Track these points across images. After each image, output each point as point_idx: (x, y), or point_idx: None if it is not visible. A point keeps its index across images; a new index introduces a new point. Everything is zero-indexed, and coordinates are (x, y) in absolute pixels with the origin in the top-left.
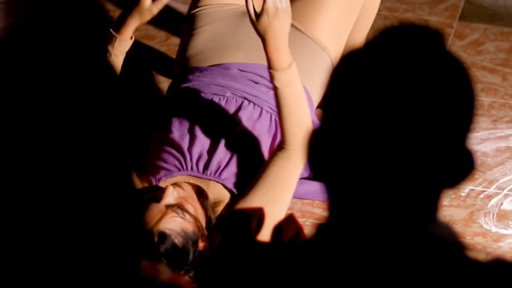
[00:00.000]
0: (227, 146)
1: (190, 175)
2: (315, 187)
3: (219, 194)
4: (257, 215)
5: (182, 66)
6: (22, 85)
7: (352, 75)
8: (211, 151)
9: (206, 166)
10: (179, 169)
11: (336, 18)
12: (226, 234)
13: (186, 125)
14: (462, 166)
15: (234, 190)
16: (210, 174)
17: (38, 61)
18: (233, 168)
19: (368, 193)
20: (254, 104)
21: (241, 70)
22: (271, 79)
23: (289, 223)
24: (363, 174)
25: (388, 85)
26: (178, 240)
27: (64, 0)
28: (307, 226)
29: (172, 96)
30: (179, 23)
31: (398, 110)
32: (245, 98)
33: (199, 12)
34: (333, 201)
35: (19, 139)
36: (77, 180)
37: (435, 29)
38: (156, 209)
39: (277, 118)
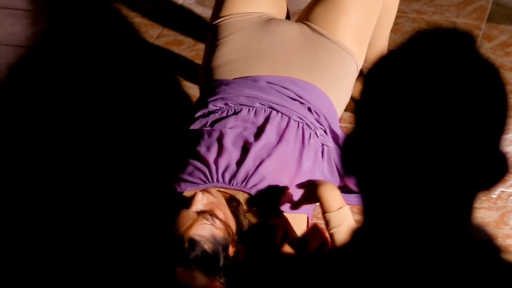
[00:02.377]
0: (256, 156)
1: (216, 187)
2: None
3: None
4: (282, 227)
5: (207, 78)
6: (47, 90)
7: (383, 80)
8: (240, 162)
9: (233, 177)
10: (204, 182)
11: (358, 20)
12: (250, 246)
13: (214, 136)
14: (496, 169)
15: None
16: (236, 184)
17: (64, 66)
18: (259, 177)
19: (402, 197)
20: (282, 113)
21: (269, 83)
22: (325, 220)
23: (314, 234)
24: (396, 178)
25: (419, 88)
26: (208, 246)
27: (89, 10)
28: None
29: (200, 110)
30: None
31: (430, 114)
32: (273, 108)
33: (222, 22)
34: (367, 205)
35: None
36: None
37: (464, 31)
38: (186, 215)
39: (304, 126)
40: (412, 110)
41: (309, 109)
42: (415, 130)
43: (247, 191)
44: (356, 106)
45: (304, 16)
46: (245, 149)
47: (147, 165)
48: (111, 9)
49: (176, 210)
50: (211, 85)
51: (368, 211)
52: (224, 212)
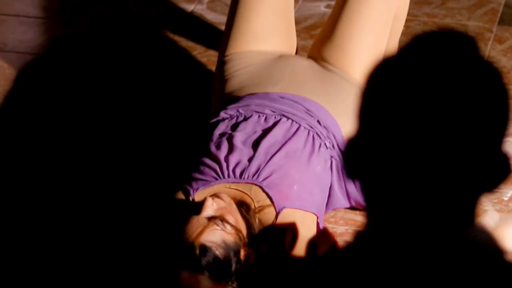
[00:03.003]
0: (266, 151)
1: (228, 182)
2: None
3: (261, 198)
4: (291, 230)
5: (219, 103)
6: (59, 97)
7: (388, 82)
8: (251, 158)
9: (244, 170)
10: (216, 179)
11: (368, 51)
12: (259, 250)
13: (224, 137)
14: (499, 170)
15: (272, 196)
16: (248, 177)
17: (75, 72)
18: (270, 170)
19: (405, 200)
20: (292, 120)
21: (281, 97)
22: None
23: (323, 237)
24: (400, 180)
25: (424, 90)
26: (219, 252)
27: (100, 18)
28: (350, 233)
29: (212, 119)
30: (216, 36)
31: (435, 115)
32: (284, 115)
33: (232, 57)
34: (371, 208)
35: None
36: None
37: (470, 33)
38: (197, 222)
39: (314, 135)
40: (414, 113)
41: (318, 121)
42: (418, 132)
43: (258, 184)
44: (360, 109)
45: (314, 53)
46: (255, 147)
47: (157, 170)
48: (122, 16)
49: (186, 217)
50: (223, 103)
51: (372, 214)
52: (235, 217)
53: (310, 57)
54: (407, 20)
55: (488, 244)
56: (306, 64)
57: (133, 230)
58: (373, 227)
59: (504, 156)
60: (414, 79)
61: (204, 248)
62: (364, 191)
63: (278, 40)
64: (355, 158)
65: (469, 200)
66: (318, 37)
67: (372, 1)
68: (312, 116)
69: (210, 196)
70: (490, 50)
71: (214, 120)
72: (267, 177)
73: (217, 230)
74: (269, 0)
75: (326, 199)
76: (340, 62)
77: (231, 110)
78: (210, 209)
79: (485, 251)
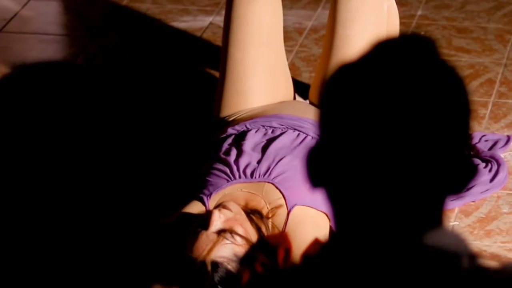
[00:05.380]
0: (275, 154)
1: (240, 183)
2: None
3: (274, 197)
4: (284, 244)
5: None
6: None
7: (349, 88)
8: (259, 161)
9: (255, 170)
10: (227, 181)
11: None
12: (254, 269)
13: (233, 145)
14: (463, 174)
15: (284, 192)
16: (259, 176)
17: (94, 88)
18: (282, 169)
19: (371, 205)
20: (300, 131)
21: (287, 117)
22: None
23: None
24: (366, 185)
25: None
26: (231, 266)
27: (119, 32)
28: None
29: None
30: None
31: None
32: (290, 127)
33: (229, 117)
34: (338, 215)
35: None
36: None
37: (428, 36)
38: (206, 238)
39: (315, 143)
40: (377, 116)
41: None
42: (382, 136)
43: (270, 181)
44: (321, 116)
45: (313, 99)
46: (264, 151)
47: (162, 178)
48: (141, 30)
49: (195, 234)
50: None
51: (339, 221)
52: (244, 226)
53: (311, 103)
54: (426, 25)
55: (454, 248)
56: (307, 104)
57: (143, 250)
58: (342, 235)
59: (469, 159)
60: (377, 85)
61: (216, 264)
62: (329, 197)
63: (276, 92)
64: (318, 166)
65: (435, 203)
66: (314, 82)
67: (358, 38)
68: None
69: (216, 207)
70: (510, 51)
71: (222, 136)
72: (279, 175)
73: (227, 244)
74: (260, 55)
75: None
76: None
77: (239, 126)
78: (217, 222)
79: (453, 255)
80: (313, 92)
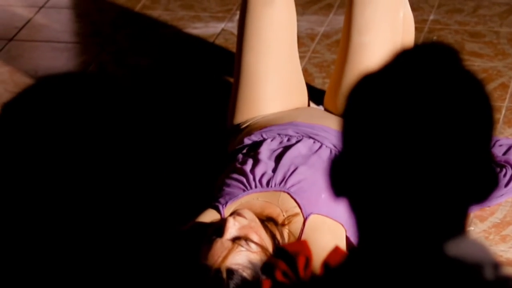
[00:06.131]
0: (291, 163)
1: (256, 192)
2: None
3: (290, 206)
4: (304, 252)
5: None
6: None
7: (370, 97)
8: (275, 169)
9: (271, 179)
10: (243, 190)
11: None
12: (274, 278)
13: (249, 154)
14: (486, 183)
15: (300, 201)
16: (275, 185)
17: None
18: (298, 178)
19: (395, 214)
20: (315, 140)
21: (302, 125)
22: None
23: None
24: (389, 195)
25: (409, 105)
26: (246, 273)
27: (130, 39)
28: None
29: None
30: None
31: (422, 129)
32: (306, 135)
33: (243, 124)
34: (361, 225)
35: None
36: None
37: (450, 45)
38: (220, 245)
39: (337, 153)
40: (400, 126)
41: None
42: (406, 146)
43: (286, 190)
44: (344, 126)
45: (328, 106)
46: (279, 159)
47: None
48: (151, 37)
49: (210, 242)
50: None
51: (361, 231)
52: (259, 234)
53: (326, 110)
54: (438, 29)
55: (477, 257)
56: (322, 111)
57: (158, 258)
58: (365, 244)
59: (492, 169)
60: (397, 95)
61: (231, 272)
62: (352, 207)
63: (290, 98)
64: (342, 176)
65: (460, 213)
66: (329, 89)
67: (374, 46)
68: (335, 136)
69: (231, 215)
70: None
71: (238, 146)
72: (295, 184)
73: (242, 251)
74: (274, 61)
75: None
76: None
77: (254, 136)
78: (232, 229)
79: (476, 264)
80: (328, 99)
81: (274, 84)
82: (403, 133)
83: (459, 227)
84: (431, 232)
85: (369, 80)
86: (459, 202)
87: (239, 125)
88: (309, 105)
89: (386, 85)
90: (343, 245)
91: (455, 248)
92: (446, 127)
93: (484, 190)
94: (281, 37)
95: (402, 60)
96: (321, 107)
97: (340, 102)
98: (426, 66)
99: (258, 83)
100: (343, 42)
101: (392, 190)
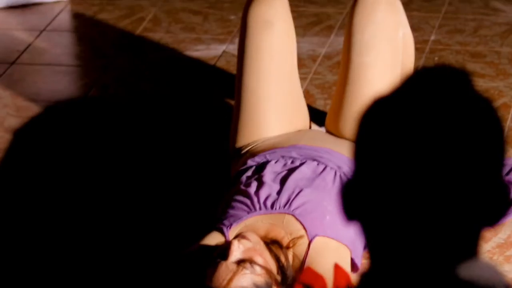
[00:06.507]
0: (295, 185)
1: (260, 215)
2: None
3: (295, 228)
4: (320, 285)
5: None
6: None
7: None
8: (279, 192)
9: (275, 201)
10: (248, 212)
11: None
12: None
13: (253, 176)
14: (499, 205)
15: (304, 223)
16: (279, 207)
17: (111, 117)
18: (302, 200)
19: (408, 237)
20: (319, 162)
21: (306, 148)
22: None
23: (337, 274)
24: (401, 218)
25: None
26: None
27: (131, 62)
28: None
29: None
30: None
31: (433, 152)
32: (309, 157)
33: (245, 147)
34: (373, 248)
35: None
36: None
37: (464, 69)
38: (225, 268)
39: (342, 175)
40: (410, 149)
41: (344, 162)
42: (417, 170)
43: (291, 213)
44: (356, 151)
45: (331, 129)
46: (283, 182)
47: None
48: (153, 59)
49: (214, 264)
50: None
51: (374, 254)
52: (264, 256)
53: (328, 131)
54: (439, 50)
55: (489, 280)
56: (324, 133)
57: (164, 281)
58: (377, 268)
59: (505, 191)
60: (408, 118)
61: None
62: (365, 232)
63: (292, 121)
64: (353, 200)
65: (471, 235)
66: (331, 111)
67: (374, 66)
68: (339, 159)
69: (235, 238)
70: None
71: (242, 168)
72: (299, 207)
73: (247, 274)
74: (275, 84)
75: (361, 238)
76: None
77: (258, 157)
78: (237, 252)
79: (489, 286)
80: (330, 121)
81: (276, 107)
82: (415, 156)
83: (471, 249)
84: (444, 255)
85: (378, 104)
86: (471, 224)
87: (241, 148)
88: (310, 127)
89: (396, 109)
90: (348, 267)
91: (467, 270)
92: (458, 149)
93: (496, 211)
94: (281, 60)
95: (409, 83)
96: (323, 129)
97: (343, 124)
98: (434, 89)
99: (259, 107)
100: (343, 63)
101: (405, 213)
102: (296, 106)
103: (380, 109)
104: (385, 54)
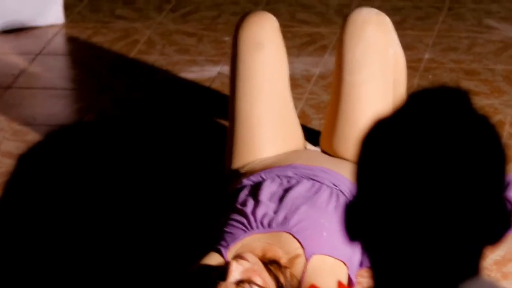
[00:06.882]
0: (292, 204)
1: (257, 233)
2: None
3: (292, 247)
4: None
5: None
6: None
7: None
8: (276, 211)
9: (272, 220)
10: (244, 231)
11: None
12: None
13: (250, 195)
14: (500, 222)
15: (302, 241)
16: (276, 226)
17: (107, 140)
18: (299, 218)
19: (410, 255)
20: (315, 180)
21: (301, 167)
22: None
23: None
24: (403, 237)
25: (416, 147)
26: None
27: (128, 84)
28: None
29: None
30: None
31: (433, 171)
32: (306, 177)
33: (240, 168)
34: (376, 268)
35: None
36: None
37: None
38: None
39: (339, 194)
40: (411, 169)
41: (340, 182)
42: (418, 189)
43: (288, 230)
44: (358, 173)
45: (325, 148)
46: (280, 201)
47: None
48: (148, 81)
49: (212, 285)
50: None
51: (377, 273)
52: (262, 277)
53: (323, 151)
54: (434, 68)
55: None
56: (319, 153)
57: None
58: (378, 285)
59: (506, 210)
60: (408, 139)
61: None
62: (367, 252)
63: (285, 141)
64: (356, 221)
65: (473, 254)
66: (325, 130)
67: (366, 84)
68: (334, 177)
69: (234, 258)
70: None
71: (238, 187)
72: (296, 224)
73: None
74: (268, 105)
75: (357, 254)
76: (353, 154)
77: (254, 177)
78: (236, 272)
79: None
80: (325, 140)
81: (269, 128)
82: (415, 177)
83: (473, 267)
84: (445, 273)
85: (378, 126)
86: (473, 243)
87: (237, 169)
88: (305, 146)
89: (395, 130)
90: (345, 283)
91: None
92: (458, 168)
93: (497, 230)
94: (273, 81)
95: (406, 104)
96: (318, 148)
97: (337, 143)
98: (431, 109)
99: (253, 128)
100: (335, 82)
101: (407, 232)
102: (289, 127)
103: (379, 130)
104: (377, 72)
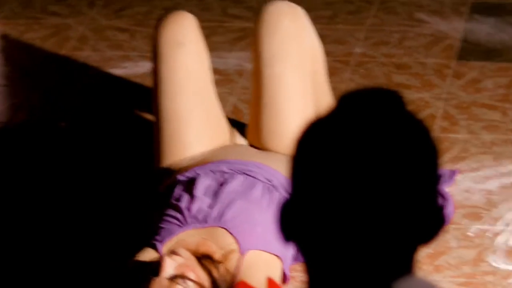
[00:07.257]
0: (226, 198)
1: (192, 229)
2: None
3: (227, 242)
4: (254, 276)
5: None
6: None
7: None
8: (212, 205)
9: (207, 216)
10: (179, 226)
11: (299, 121)
12: None
13: (184, 191)
14: (433, 218)
15: (237, 236)
16: (211, 221)
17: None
18: (233, 214)
19: (345, 254)
20: (248, 175)
21: (234, 162)
22: None
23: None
24: (337, 236)
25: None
26: None
27: (61, 82)
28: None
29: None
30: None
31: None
32: (240, 172)
33: (170, 167)
34: (311, 267)
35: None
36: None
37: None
38: (158, 284)
39: (270, 187)
40: (344, 166)
41: (274, 177)
42: (352, 188)
43: (222, 225)
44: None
45: (253, 142)
46: (215, 196)
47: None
48: (84, 78)
49: (146, 280)
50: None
51: (312, 271)
52: (196, 272)
53: (250, 145)
54: (365, 62)
55: None
56: (248, 147)
57: None
58: (315, 282)
59: (438, 207)
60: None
61: None
62: (302, 249)
63: (213, 137)
64: (289, 220)
65: (407, 252)
66: (250, 124)
67: (285, 76)
68: (267, 172)
69: (167, 254)
70: (449, 86)
71: (172, 183)
72: (231, 219)
73: None
74: (192, 103)
75: (291, 249)
76: (280, 145)
77: (188, 173)
78: (169, 268)
79: None
80: (251, 134)
81: (195, 126)
82: (349, 174)
83: (407, 266)
84: (380, 272)
85: (311, 124)
86: (407, 242)
87: (166, 168)
88: (235, 140)
89: (329, 128)
90: (279, 280)
91: (403, 286)
92: (391, 165)
93: (430, 229)
94: (195, 79)
95: (339, 100)
96: (247, 143)
97: (264, 136)
98: (363, 106)
99: (179, 127)
100: (255, 76)
101: (341, 230)
102: (215, 123)
103: (312, 128)
104: (294, 64)
